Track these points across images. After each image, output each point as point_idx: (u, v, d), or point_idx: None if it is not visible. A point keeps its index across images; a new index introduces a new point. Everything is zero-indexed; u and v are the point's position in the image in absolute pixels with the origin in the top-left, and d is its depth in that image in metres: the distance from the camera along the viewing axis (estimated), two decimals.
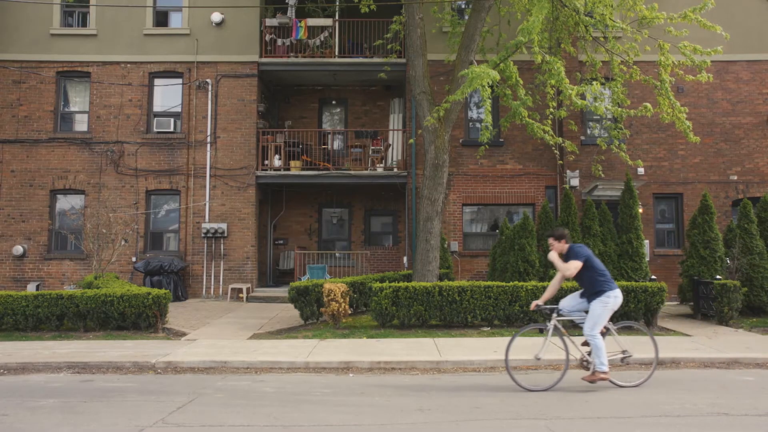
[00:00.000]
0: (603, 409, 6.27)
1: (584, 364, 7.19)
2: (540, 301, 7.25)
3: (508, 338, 10.04)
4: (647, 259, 13.46)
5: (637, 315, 10.94)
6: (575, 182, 15.69)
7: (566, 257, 7.17)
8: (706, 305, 11.98)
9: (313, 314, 11.45)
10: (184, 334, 10.82)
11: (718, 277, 12.00)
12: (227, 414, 6.17)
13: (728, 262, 12.48)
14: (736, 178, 16.36)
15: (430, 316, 10.96)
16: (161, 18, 17.30)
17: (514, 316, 11.01)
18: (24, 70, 16.63)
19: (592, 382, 6.99)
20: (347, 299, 11.15)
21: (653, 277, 12.85)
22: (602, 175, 15.49)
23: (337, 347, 9.42)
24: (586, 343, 7.13)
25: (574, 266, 6.97)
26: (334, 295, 10.87)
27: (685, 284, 13.04)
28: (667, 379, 7.73)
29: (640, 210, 14.32)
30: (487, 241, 16.36)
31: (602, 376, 6.91)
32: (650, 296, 10.88)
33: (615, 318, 8.70)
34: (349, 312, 11.83)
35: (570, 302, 7.31)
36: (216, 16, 16.64)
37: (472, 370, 8.35)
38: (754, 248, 12.37)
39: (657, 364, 7.43)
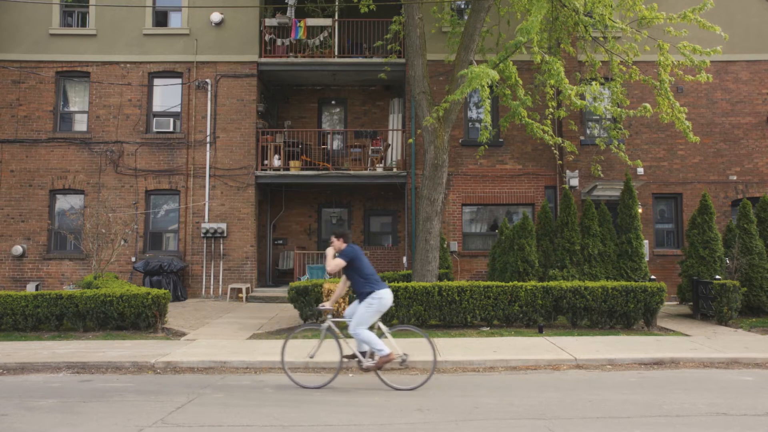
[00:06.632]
0: (603, 409, 6.28)
1: (360, 364, 7.35)
2: (328, 304, 7.57)
3: (509, 338, 10.17)
4: (646, 259, 13.45)
5: (636, 315, 10.95)
6: (575, 182, 15.70)
7: (339, 255, 7.43)
8: (705, 305, 11.99)
9: (313, 314, 11.45)
10: (183, 334, 10.82)
11: (717, 277, 12.00)
12: (227, 414, 6.17)
13: (727, 262, 12.48)
14: (735, 178, 16.37)
15: (430, 316, 10.95)
16: (161, 18, 17.29)
17: (514, 316, 11.01)
18: (23, 70, 16.63)
19: (379, 368, 7.20)
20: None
21: (653, 277, 12.84)
22: (602, 175, 15.50)
23: (336, 347, 9.38)
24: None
25: (334, 263, 7.27)
26: None
27: (685, 284, 13.04)
28: (667, 379, 7.75)
29: (640, 210, 14.33)
30: (486, 241, 16.36)
31: (386, 358, 7.05)
32: (650, 296, 10.89)
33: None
34: None
35: (352, 308, 7.51)
36: (215, 16, 16.64)
37: (472, 370, 8.36)
38: (753, 248, 12.39)
39: (435, 369, 7.39)
